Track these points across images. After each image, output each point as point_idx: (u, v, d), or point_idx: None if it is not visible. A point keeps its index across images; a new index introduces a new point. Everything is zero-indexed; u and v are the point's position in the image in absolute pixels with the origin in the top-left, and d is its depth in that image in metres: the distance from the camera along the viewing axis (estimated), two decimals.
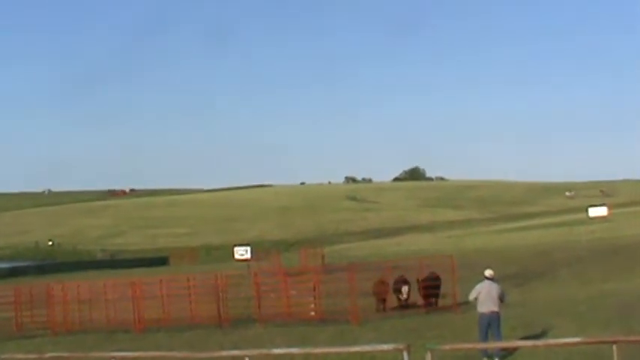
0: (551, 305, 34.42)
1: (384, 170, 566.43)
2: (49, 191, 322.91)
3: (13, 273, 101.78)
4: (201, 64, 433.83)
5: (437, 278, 37.52)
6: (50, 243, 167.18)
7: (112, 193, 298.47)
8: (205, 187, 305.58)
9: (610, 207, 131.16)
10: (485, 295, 22.79)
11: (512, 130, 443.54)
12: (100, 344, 33.47)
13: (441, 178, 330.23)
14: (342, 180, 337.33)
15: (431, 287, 37.06)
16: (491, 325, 22.75)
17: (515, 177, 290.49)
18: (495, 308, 22.74)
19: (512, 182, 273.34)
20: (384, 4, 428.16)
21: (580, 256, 61.07)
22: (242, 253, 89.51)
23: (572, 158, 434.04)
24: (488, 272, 23.33)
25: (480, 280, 23.30)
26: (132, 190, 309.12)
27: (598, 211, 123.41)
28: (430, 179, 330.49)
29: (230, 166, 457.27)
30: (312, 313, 36.33)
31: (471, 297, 23.30)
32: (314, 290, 36.94)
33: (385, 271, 40.75)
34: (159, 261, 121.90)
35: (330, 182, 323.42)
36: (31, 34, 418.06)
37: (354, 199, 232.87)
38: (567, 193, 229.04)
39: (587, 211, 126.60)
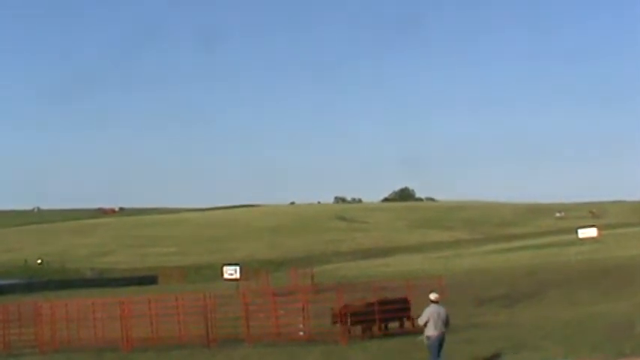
0: (540, 327, 34.41)
1: (373, 191, 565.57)
2: (38, 209, 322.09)
3: (1, 291, 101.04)
4: (188, 84, 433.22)
5: (405, 301, 37.44)
6: (39, 262, 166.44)
7: (102, 212, 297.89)
8: (195, 207, 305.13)
9: (600, 228, 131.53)
10: (435, 319, 23.56)
11: (502, 151, 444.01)
12: None
13: (431, 199, 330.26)
14: (331, 200, 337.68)
15: (397, 310, 36.98)
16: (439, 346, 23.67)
17: (505, 198, 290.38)
18: (443, 330, 23.68)
19: (502, 203, 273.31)
20: (375, 28, 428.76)
21: (569, 277, 61.08)
22: (231, 272, 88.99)
23: (561, 179, 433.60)
24: (433, 296, 24.13)
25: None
26: (121, 209, 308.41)
27: (588, 232, 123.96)
28: (420, 200, 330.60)
29: (220, 185, 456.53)
30: (301, 334, 36.29)
31: (422, 322, 23.91)
32: (303, 310, 36.89)
33: (362, 293, 40.68)
34: (148, 280, 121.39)
35: (319, 202, 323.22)
36: (15, 46, 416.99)
37: (343, 219, 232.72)
38: (557, 214, 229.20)
39: (576, 232, 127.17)
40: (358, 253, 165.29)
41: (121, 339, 37.42)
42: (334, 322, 36.18)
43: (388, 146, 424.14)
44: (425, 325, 23.70)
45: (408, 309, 37.03)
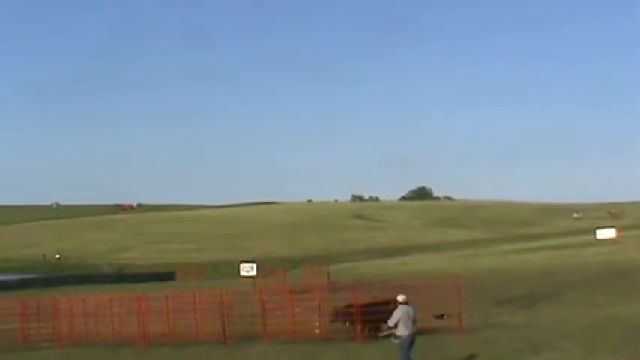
0: (558, 328, 34.25)
1: (391, 189, 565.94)
2: (57, 204, 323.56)
3: (21, 285, 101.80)
4: (198, 83, 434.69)
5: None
6: (58, 256, 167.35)
7: (120, 208, 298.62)
8: (212, 204, 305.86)
9: (618, 229, 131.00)
10: (405, 319, 24.53)
11: (520, 151, 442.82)
12: (105, 357, 33.50)
13: (448, 198, 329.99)
14: (349, 198, 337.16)
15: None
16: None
17: (523, 198, 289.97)
18: (414, 329, 24.74)
19: (520, 203, 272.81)
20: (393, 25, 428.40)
21: (588, 278, 60.84)
22: (248, 269, 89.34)
23: (580, 180, 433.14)
24: (401, 297, 25.16)
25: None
26: (139, 205, 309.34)
27: (606, 233, 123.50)
28: (437, 199, 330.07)
29: (237, 182, 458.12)
30: (317, 331, 36.24)
31: (392, 323, 24.80)
32: (319, 308, 36.86)
33: (378, 292, 40.34)
34: (165, 276, 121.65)
35: (336, 200, 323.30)
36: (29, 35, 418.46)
37: (360, 217, 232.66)
38: (575, 215, 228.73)
39: (594, 233, 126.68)
40: (375, 251, 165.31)
41: (137, 334, 37.49)
42: (332, 321, 36.22)
43: (405, 145, 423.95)
44: (395, 325, 24.57)
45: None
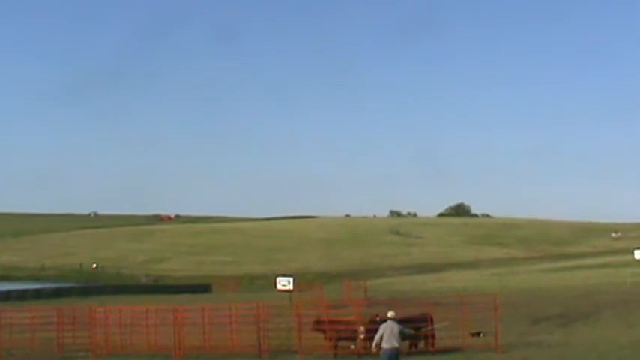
0: (595, 348, 34.06)
1: (429, 205, 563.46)
2: (95, 214, 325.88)
3: (57, 294, 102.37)
4: (236, 95, 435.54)
5: (425, 319, 36.19)
6: (94, 266, 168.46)
7: (158, 219, 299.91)
8: (250, 216, 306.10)
9: None
10: (389, 334, 26.18)
11: (558, 169, 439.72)
12: None
13: (487, 215, 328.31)
14: (386, 214, 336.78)
15: (417, 328, 35.34)
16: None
17: (561, 216, 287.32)
18: (396, 344, 26.31)
19: (558, 222, 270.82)
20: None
21: (625, 298, 60.35)
22: (284, 283, 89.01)
23: (618, 199, 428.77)
24: (390, 313, 27.02)
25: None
26: (177, 216, 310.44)
27: None
28: (475, 216, 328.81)
29: (274, 196, 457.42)
30: (352, 347, 36.22)
31: (377, 336, 26.45)
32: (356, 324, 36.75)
33: (414, 309, 39.94)
34: (202, 288, 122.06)
35: (374, 216, 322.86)
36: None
37: (398, 233, 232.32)
38: (613, 234, 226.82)
39: (632, 253, 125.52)
40: (412, 267, 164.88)
41: (173, 346, 37.61)
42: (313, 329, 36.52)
43: (444, 161, 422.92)
44: (380, 339, 26.16)
45: (426, 327, 35.87)
